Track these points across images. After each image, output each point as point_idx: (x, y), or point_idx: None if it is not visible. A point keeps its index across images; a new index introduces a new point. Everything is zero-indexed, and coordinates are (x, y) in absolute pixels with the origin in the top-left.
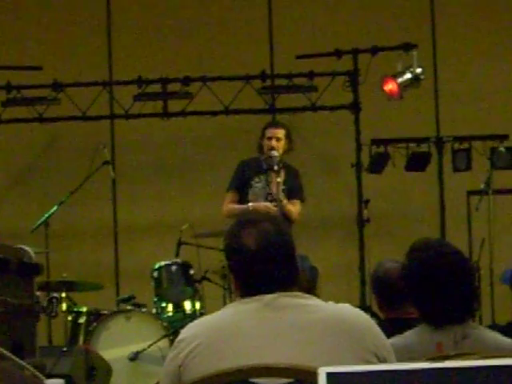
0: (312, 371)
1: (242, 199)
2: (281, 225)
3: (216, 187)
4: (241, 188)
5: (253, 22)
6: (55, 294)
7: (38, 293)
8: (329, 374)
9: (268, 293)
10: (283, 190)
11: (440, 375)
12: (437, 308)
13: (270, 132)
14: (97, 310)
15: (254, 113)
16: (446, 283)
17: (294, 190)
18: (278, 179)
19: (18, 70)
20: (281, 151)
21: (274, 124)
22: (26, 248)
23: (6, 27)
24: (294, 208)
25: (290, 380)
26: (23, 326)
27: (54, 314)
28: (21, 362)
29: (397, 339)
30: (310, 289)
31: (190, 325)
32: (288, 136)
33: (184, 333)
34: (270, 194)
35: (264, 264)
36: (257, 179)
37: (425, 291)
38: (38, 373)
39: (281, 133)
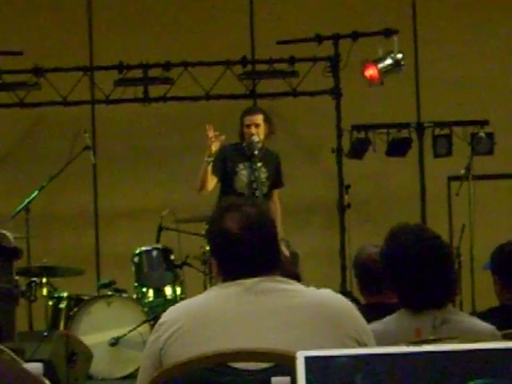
0: (291, 355)
1: (228, 187)
2: (263, 209)
3: (197, 172)
4: (225, 175)
5: (233, 7)
6: (34, 279)
7: (17, 277)
8: (307, 358)
9: (250, 277)
10: (266, 177)
11: (418, 359)
12: (415, 293)
13: (247, 120)
14: (77, 296)
15: (234, 98)
16: (425, 268)
17: (276, 177)
18: (259, 163)
19: None
20: (262, 136)
21: (251, 111)
22: (5, 232)
23: None
24: (277, 205)
25: (270, 364)
26: (2, 310)
27: (33, 298)
28: None
29: (376, 325)
30: (295, 274)
31: (172, 308)
32: (267, 120)
33: (165, 316)
34: (254, 181)
35: (246, 248)
36: (241, 166)
37: (403, 276)
38: (16, 357)
39: (259, 118)
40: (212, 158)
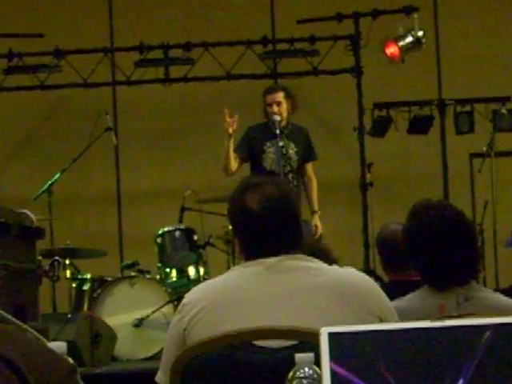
0: (315, 333)
1: (258, 166)
2: (285, 188)
3: (219, 152)
4: (253, 155)
5: None
6: (57, 257)
7: (40, 257)
8: (331, 334)
9: (272, 255)
10: (295, 152)
11: (441, 334)
12: (438, 270)
13: (269, 98)
14: (101, 277)
15: (255, 78)
16: (448, 244)
17: (306, 151)
18: (280, 143)
19: (19, 37)
20: (285, 114)
21: (271, 89)
22: (27, 212)
23: None
24: (312, 179)
25: (293, 342)
26: (25, 289)
27: (56, 277)
28: (23, 325)
29: (399, 302)
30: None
31: (195, 289)
32: (288, 96)
33: (188, 296)
34: (282, 158)
35: (268, 226)
36: (269, 144)
37: (426, 253)
38: (40, 336)
39: (279, 96)
40: (231, 141)
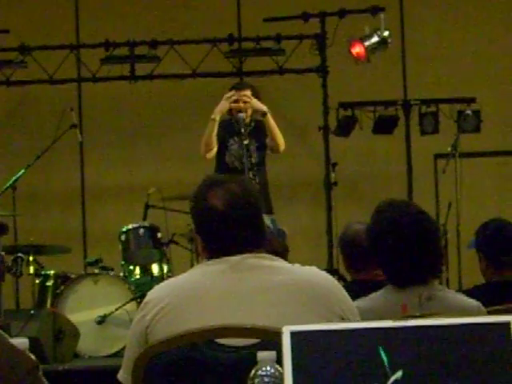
0: (277, 331)
1: (221, 162)
2: (248, 186)
3: (183, 150)
4: (218, 150)
5: None
6: (20, 254)
7: (3, 253)
8: (293, 333)
9: (234, 254)
10: (256, 148)
11: (403, 334)
12: (401, 268)
13: (235, 95)
14: (64, 273)
15: (221, 76)
16: (411, 243)
17: (264, 135)
18: (246, 141)
19: None
20: (250, 111)
21: (239, 86)
22: None
23: None
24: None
25: (256, 340)
26: None
27: (18, 273)
28: None
29: (362, 301)
30: (283, 252)
31: (157, 287)
32: (254, 95)
33: (151, 294)
34: (243, 156)
35: (230, 225)
36: (232, 141)
37: (389, 251)
38: (2, 332)
39: (247, 94)
40: (217, 117)
